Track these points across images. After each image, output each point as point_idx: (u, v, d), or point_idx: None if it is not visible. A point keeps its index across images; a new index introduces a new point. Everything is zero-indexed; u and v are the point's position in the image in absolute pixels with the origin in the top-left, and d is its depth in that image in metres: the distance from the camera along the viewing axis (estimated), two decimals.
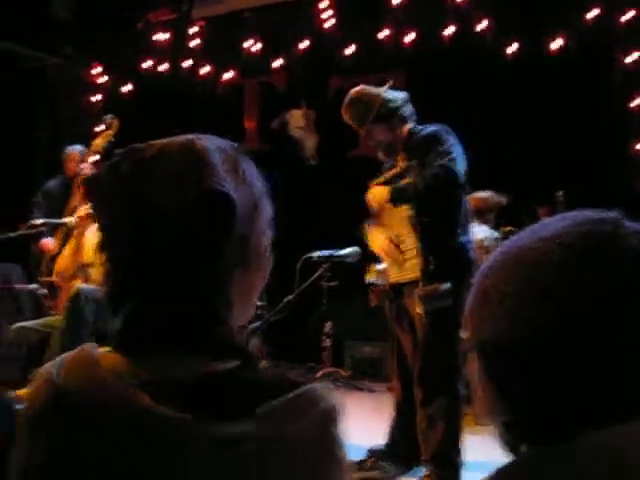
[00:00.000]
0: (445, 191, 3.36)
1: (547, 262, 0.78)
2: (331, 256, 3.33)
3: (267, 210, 1.03)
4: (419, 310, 3.35)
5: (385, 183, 3.62)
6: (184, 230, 0.89)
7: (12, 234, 3.92)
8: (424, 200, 3.35)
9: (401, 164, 3.55)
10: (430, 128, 3.53)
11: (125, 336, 0.90)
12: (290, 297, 3.09)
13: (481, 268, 0.85)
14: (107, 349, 0.91)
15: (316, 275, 3.18)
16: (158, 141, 0.98)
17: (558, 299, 0.76)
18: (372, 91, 3.61)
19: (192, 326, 0.89)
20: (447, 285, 3.23)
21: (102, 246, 0.94)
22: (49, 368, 0.89)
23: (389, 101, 3.56)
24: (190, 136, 1.00)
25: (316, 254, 3.33)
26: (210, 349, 0.88)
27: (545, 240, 0.81)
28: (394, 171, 3.58)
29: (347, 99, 3.61)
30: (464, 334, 0.86)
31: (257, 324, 3.01)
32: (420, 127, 3.60)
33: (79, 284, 4.16)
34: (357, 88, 3.65)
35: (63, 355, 0.91)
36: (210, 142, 0.98)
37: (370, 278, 3.74)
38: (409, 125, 3.61)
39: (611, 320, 0.75)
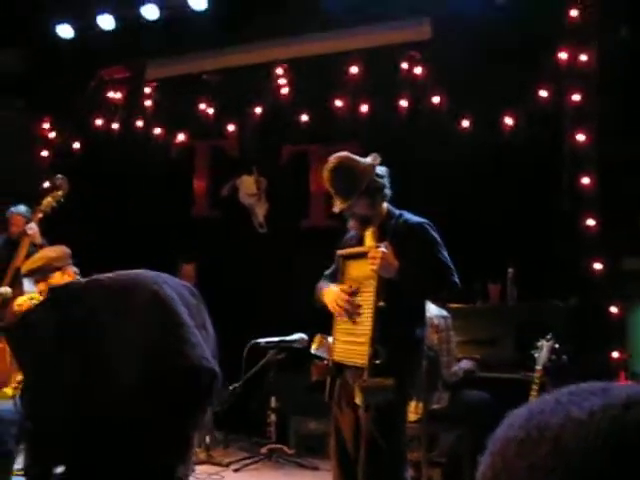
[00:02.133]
0: (440, 293, 3.35)
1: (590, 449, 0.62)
2: (279, 342, 3.21)
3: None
4: (358, 402, 3.24)
5: (349, 257, 3.49)
6: (153, 399, 0.79)
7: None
8: (409, 291, 3.27)
9: (369, 242, 3.35)
10: (415, 218, 3.43)
11: None
12: (236, 385, 2.95)
13: (502, 440, 0.69)
14: None
15: (262, 362, 3.05)
16: (105, 277, 0.88)
17: None
18: (361, 162, 3.36)
19: None
20: (391, 381, 3.12)
21: (34, 391, 0.82)
22: None
23: (379, 177, 3.38)
24: (145, 277, 0.89)
25: (263, 340, 3.19)
26: None
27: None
28: (358, 249, 3.42)
29: (333, 165, 3.34)
30: None
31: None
32: (398, 211, 3.48)
33: None
34: (344, 155, 3.37)
35: None
36: (170, 288, 0.88)
37: (315, 349, 3.60)
38: (386, 204, 3.47)
39: None
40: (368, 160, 3.39)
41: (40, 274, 4.15)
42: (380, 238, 3.31)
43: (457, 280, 3.29)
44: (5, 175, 7.85)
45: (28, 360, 0.85)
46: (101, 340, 0.80)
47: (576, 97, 5.84)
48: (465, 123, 6.31)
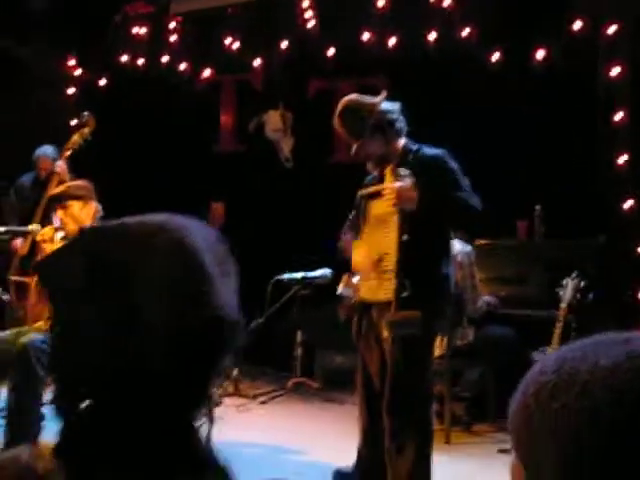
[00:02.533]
0: (468, 228, 3.33)
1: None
2: (302, 278, 3.22)
3: None
4: (385, 335, 3.27)
5: (371, 197, 3.49)
6: (177, 349, 0.81)
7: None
8: (430, 224, 3.25)
9: (390, 178, 3.38)
10: (431, 150, 3.40)
11: (77, 447, 0.83)
12: (260, 320, 2.98)
13: (534, 383, 0.76)
14: (49, 453, 0.83)
15: (285, 299, 3.08)
16: (133, 221, 0.86)
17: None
18: (366, 101, 3.41)
19: (164, 442, 0.83)
20: (417, 314, 3.13)
21: (61, 333, 0.83)
22: None
23: (386, 112, 3.39)
24: (175, 224, 0.87)
25: (287, 276, 3.21)
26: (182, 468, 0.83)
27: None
28: (383, 186, 3.41)
29: (340, 109, 3.40)
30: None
31: None
32: (416, 145, 3.45)
33: (25, 339, 3.91)
34: (350, 97, 3.44)
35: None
36: (199, 237, 0.86)
37: (342, 290, 3.64)
38: (403, 139, 3.46)
39: None
40: (375, 98, 3.40)
41: (60, 200, 4.16)
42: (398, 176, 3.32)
43: (479, 205, 3.27)
44: (34, 113, 7.88)
45: (57, 299, 0.84)
46: (128, 288, 0.79)
47: (612, 29, 5.65)
48: (496, 56, 6.16)
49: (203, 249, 0.85)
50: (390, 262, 3.29)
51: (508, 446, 4.53)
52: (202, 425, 0.92)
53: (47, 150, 5.72)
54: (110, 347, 0.80)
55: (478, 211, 3.27)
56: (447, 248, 3.46)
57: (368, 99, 3.42)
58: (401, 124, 3.44)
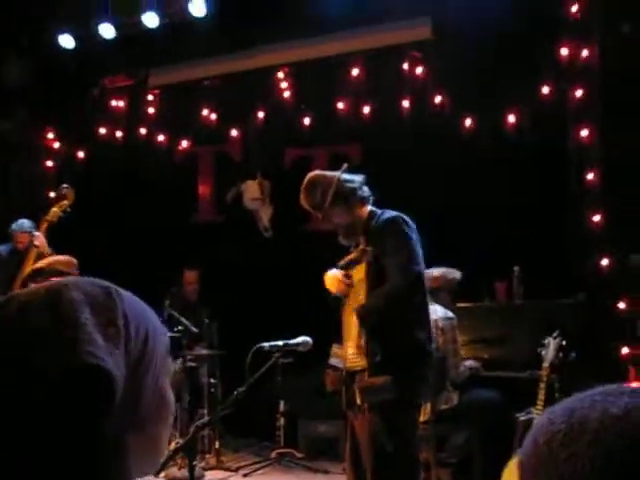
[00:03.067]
0: (411, 295, 3.37)
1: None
2: (283, 346, 3.19)
3: (159, 349, 0.90)
4: (359, 402, 3.28)
5: (343, 267, 3.59)
6: (48, 406, 0.76)
7: None
8: (383, 309, 3.35)
9: (361, 247, 3.49)
10: (389, 214, 3.48)
11: None
12: (241, 389, 2.94)
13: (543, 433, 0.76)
14: None
15: (267, 366, 3.04)
16: (23, 292, 0.87)
17: None
18: (327, 174, 3.59)
19: None
20: (388, 379, 3.14)
21: None
22: None
23: (346, 182, 3.52)
24: (59, 283, 0.86)
25: (267, 344, 3.19)
26: None
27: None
28: (351, 256, 3.52)
29: (304, 184, 3.57)
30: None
31: (206, 420, 2.85)
32: (379, 211, 3.54)
33: None
34: (313, 173, 3.63)
35: None
36: (78, 291, 0.85)
37: (332, 361, 3.65)
38: (368, 207, 3.57)
39: None
40: (336, 172, 3.57)
41: (42, 274, 4.12)
42: (367, 241, 3.46)
43: (419, 272, 3.35)
44: (13, 185, 7.89)
45: None
46: (8, 345, 0.79)
47: (579, 93, 5.81)
48: (468, 122, 6.30)
49: (80, 301, 0.84)
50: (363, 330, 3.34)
51: None
52: None
53: (24, 224, 5.70)
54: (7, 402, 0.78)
55: (397, 290, 3.33)
56: (420, 312, 3.46)
57: (328, 172, 3.62)
58: (364, 193, 3.57)
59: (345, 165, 3.63)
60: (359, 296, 3.45)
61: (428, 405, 4.69)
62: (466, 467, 5.14)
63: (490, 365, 5.33)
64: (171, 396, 0.95)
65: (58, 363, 0.77)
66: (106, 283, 0.89)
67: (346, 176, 3.56)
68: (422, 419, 4.30)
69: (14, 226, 5.78)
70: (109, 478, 0.82)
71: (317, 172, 3.66)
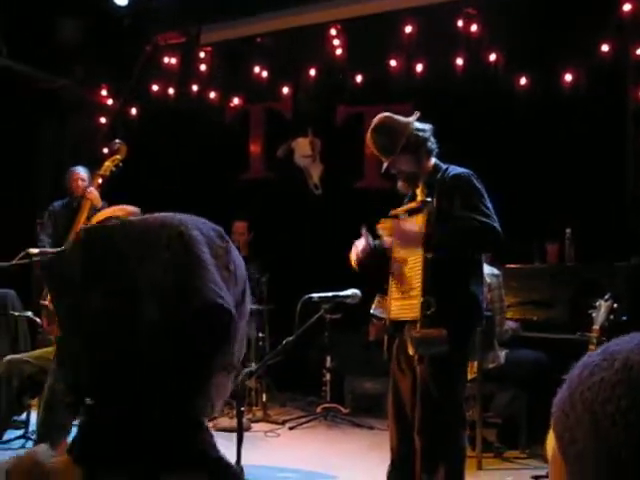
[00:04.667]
0: (485, 248, 3.32)
1: None
2: (332, 297, 3.21)
3: (248, 303, 0.95)
4: (411, 352, 3.26)
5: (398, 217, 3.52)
6: (173, 339, 0.80)
7: (6, 264, 3.82)
8: (455, 245, 3.27)
9: (419, 198, 3.41)
10: (458, 170, 3.40)
11: (84, 444, 0.82)
12: (289, 339, 2.97)
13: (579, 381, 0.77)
14: (64, 457, 0.83)
15: (315, 317, 3.07)
16: (136, 220, 0.89)
17: None
18: (400, 119, 3.44)
19: (165, 436, 0.82)
20: (443, 332, 3.11)
21: (65, 335, 0.85)
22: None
23: (419, 131, 3.42)
24: (173, 218, 0.88)
25: (317, 295, 3.20)
26: (187, 461, 0.82)
27: None
28: (410, 205, 3.46)
29: (374, 126, 3.44)
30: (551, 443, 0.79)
31: (254, 367, 2.90)
32: (445, 165, 3.48)
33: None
34: (384, 115, 3.47)
35: (12, 462, 0.85)
36: (196, 230, 0.87)
37: (374, 310, 3.62)
38: (433, 159, 3.49)
39: None
40: (408, 118, 3.45)
41: None
42: (428, 193, 3.35)
43: (499, 229, 3.26)
44: (67, 142, 8.04)
45: (58, 297, 0.86)
46: (122, 278, 0.80)
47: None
48: (523, 80, 6.17)
49: (201, 241, 0.85)
50: (417, 281, 3.29)
51: (541, 473, 4.46)
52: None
53: (79, 168, 5.82)
54: (109, 339, 0.81)
55: (494, 235, 3.26)
56: (476, 267, 3.44)
57: (401, 117, 3.47)
58: (432, 144, 3.48)
59: (417, 113, 3.48)
60: (409, 248, 3.37)
61: (475, 363, 4.69)
62: (511, 428, 5.15)
63: (538, 327, 5.30)
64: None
65: (189, 299, 0.80)
66: (216, 226, 0.92)
67: (418, 125, 3.44)
68: (469, 377, 4.31)
69: (70, 168, 5.91)
70: (201, 404, 0.87)
71: (389, 114, 3.47)
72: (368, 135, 3.47)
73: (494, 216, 3.27)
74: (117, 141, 5.47)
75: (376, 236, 3.57)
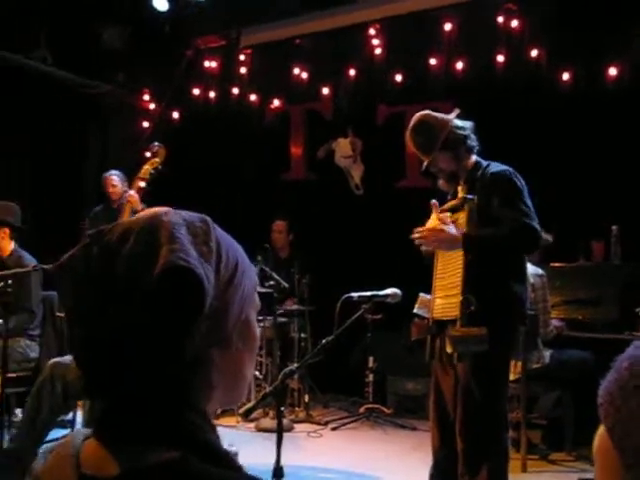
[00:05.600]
0: (524, 250, 3.27)
1: None
2: (372, 297, 3.19)
3: (247, 282, 0.96)
4: (449, 350, 3.22)
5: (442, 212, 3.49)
6: (147, 309, 0.82)
7: (49, 266, 3.89)
8: (494, 248, 3.24)
9: (460, 195, 3.38)
10: (499, 167, 3.36)
11: (103, 426, 0.87)
12: (329, 338, 2.96)
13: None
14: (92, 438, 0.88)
15: (355, 316, 3.05)
16: (127, 220, 0.94)
17: None
18: (439, 117, 3.41)
19: (158, 414, 0.85)
20: (483, 331, 3.06)
21: (69, 331, 0.90)
22: (39, 458, 0.91)
23: (458, 128, 3.39)
24: (158, 211, 0.93)
25: (356, 295, 3.19)
26: (168, 439, 0.84)
27: None
28: (452, 203, 3.43)
29: (413, 123, 3.41)
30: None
31: (294, 367, 2.90)
32: (485, 162, 3.44)
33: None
34: (422, 113, 3.44)
35: (51, 445, 0.92)
36: (177, 216, 0.91)
37: (417, 309, 3.60)
38: (474, 157, 3.45)
39: None
40: (448, 115, 3.42)
41: None
42: (469, 191, 3.32)
43: (538, 228, 3.21)
44: (109, 146, 8.17)
45: (65, 294, 0.91)
46: (110, 267, 0.85)
47: None
48: (566, 76, 6.07)
49: (179, 224, 0.89)
50: (458, 279, 3.26)
51: (589, 476, 4.37)
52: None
53: (113, 172, 5.90)
54: (102, 317, 0.84)
55: (533, 234, 3.21)
56: (519, 267, 3.39)
57: (440, 115, 3.44)
58: (473, 142, 3.44)
59: (457, 110, 3.46)
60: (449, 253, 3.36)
61: (519, 363, 4.63)
62: (557, 429, 5.06)
63: (584, 326, 5.20)
64: (257, 329, 0.99)
65: (155, 268, 0.82)
66: (203, 215, 0.95)
67: (458, 122, 3.40)
68: (512, 377, 4.25)
69: (105, 174, 5.99)
70: (192, 380, 0.88)
71: (427, 112, 3.44)
72: (407, 134, 3.44)
73: (533, 214, 3.22)
74: (156, 144, 5.50)
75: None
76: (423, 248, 3.52)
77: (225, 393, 0.94)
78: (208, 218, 0.95)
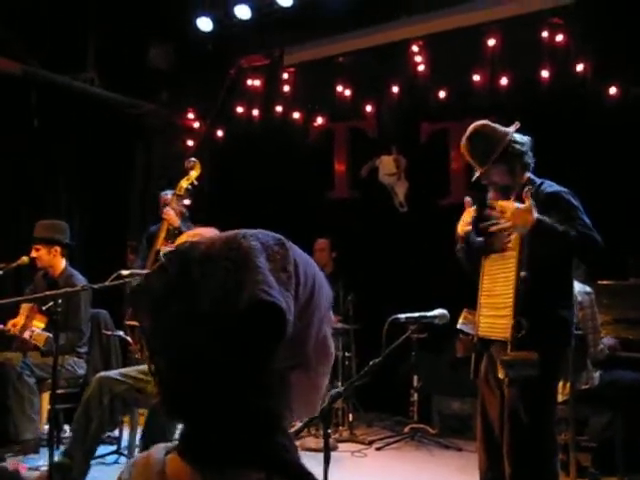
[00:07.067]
0: (586, 255, 3.20)
1: None
2: (419, 318, 3.15)
3: (324, 299, 0.98)
4: (501, 375, 3.17)
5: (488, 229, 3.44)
6: (231, 340, 0.84)
7: (100, 285, 3.94)
8: (550, 261, 3.17)
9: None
10: (554, 186, 3.29)
11: (187, 444, 0.90)
12: (376, 360, 2.93)
13: None
14: (175, 454, 0.91)
15: (402, 338, 3.02)
16: (205, 239, 0.94)
17: None
18: (499, 129, 3.34)
19: (244, 437, 0.86)
20: (535, 355, 3.00)
21: (150, 355, 0.91)
22: (123, 470, 0.95)
23: (516, 143, 3.31)
24: (237, 233, 0.94)
25: (403, 316, 3.16)
26: (259, 463, 0.86)
27: None
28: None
29: (469, 133, 3.36)
30: None
31: (341, 389, 2.88)
32: (538, 180, 3.36)
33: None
34: (482, 122, 3.38)
35: (135, 459, 0.96)
36: (255, 240, 0.92)
37: (461, 324, 3.54)
38: (528, 174, 3.38)
39: None
40: (508, 128, 3.35)
41: None
42: None
43: (600, 240, 3.12)
44: (154, 165, 8.28)
45: (143, 319, 0.92)
46: (192, 292, 0.85)
47: None
48: (613, 90, 5.98)
49: (258, 249, 0.89)
50: (509, 299, 3.20)
51: None
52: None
53: (166, 192, 5.98)
54: (183, 341, 0.86)
55: (595, 242, 3.12)
56: (568, 288, 3.32)
57: (499, 126, 3.36)
58: (529, 159, 3.36)
59: (517, 124, 3.35)
60: (508, 263, 3.29)
61: (567, 385, 4.53)
62: (607, 452, 4.93)
63: (635, 346, 5.08)
64: (332, 345, 1.01)
65: (238, 300, 0.84)
66: (278, 235, 0.96)
67: (517, 136, 3.32)
68: (560, 399, 4.16)
69: (161, 193, 6.08)
70: (275, 405, 0.89)
71: (487, 122, 3.36)
72: (463, 142, 3.38)
73: (594, 230, 3.14)
74: (192, 159, 5.53)
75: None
76: (460, 230, 3.48)
77: (300, 408, 0.97)
78: (283, 238, 0.96)
